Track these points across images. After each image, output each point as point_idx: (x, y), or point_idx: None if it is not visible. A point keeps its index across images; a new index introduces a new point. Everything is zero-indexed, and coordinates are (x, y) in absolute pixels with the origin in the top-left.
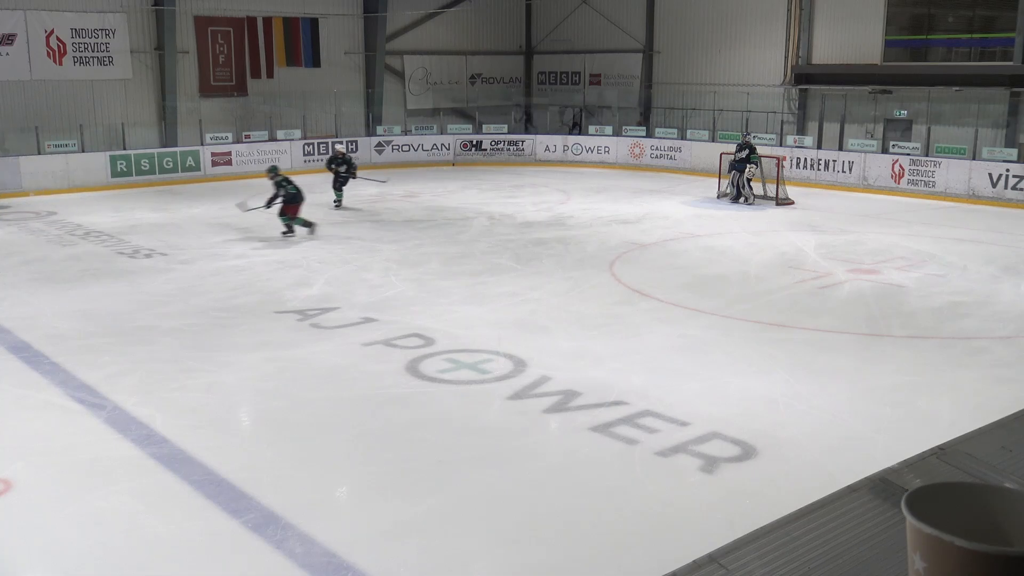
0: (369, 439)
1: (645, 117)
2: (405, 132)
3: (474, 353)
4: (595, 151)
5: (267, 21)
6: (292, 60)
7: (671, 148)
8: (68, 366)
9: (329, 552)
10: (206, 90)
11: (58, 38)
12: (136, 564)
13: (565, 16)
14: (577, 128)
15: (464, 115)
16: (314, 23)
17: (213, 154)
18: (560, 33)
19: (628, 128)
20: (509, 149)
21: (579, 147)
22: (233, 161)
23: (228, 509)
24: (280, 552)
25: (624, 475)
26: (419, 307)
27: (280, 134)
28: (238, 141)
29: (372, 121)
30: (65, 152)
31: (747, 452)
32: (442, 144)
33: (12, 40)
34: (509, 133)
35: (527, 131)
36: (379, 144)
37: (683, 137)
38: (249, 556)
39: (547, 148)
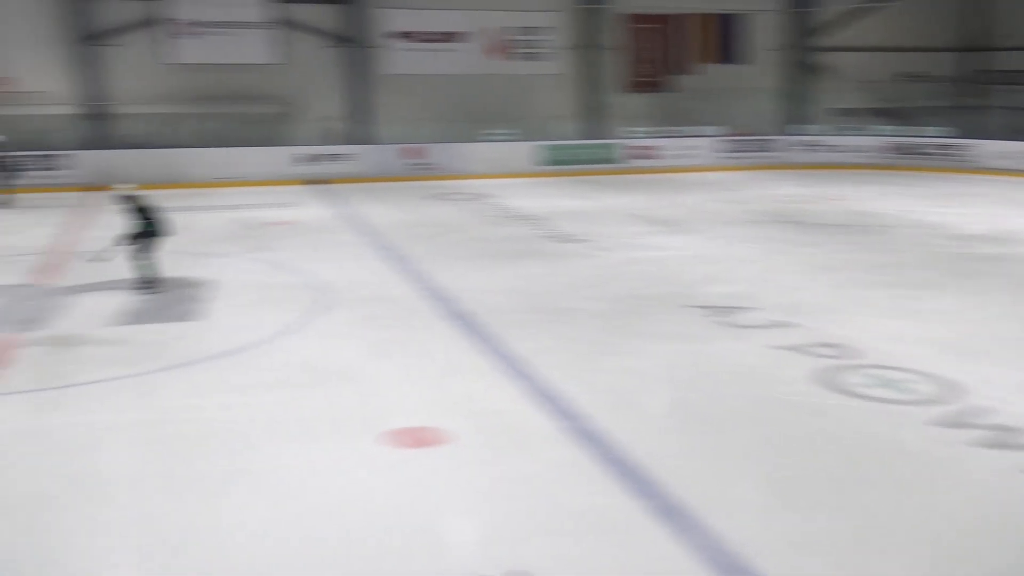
0: (776, 443)
1: None
2: (827, 132)
3: (895, 371)
4: None
5: (695, 18)
6: (717, 56)
7: None
8: (500, 337)
9: (730, 552)
10: (631, 86)
11: (502, 36)
12: (542, 529)
13: None
14: None
15: (892, 115)
16: (741, 19)
17: (634, 147)
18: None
19: None
20: (945, 154)
21: None
22: (652, 155)
23: (632, 492)
24: (678, 543)
25: None
26: (837, 315)
27: (700, 130)
28: (658, 136)
29: (792, 119)
30: (499, 141)
31: None
32: (866, 146)
33: (461, 38)
34: (945, 137)
35: (969, 135)
36: (799, 143)
37: None
38: (648, 541)
39: (999, 154)
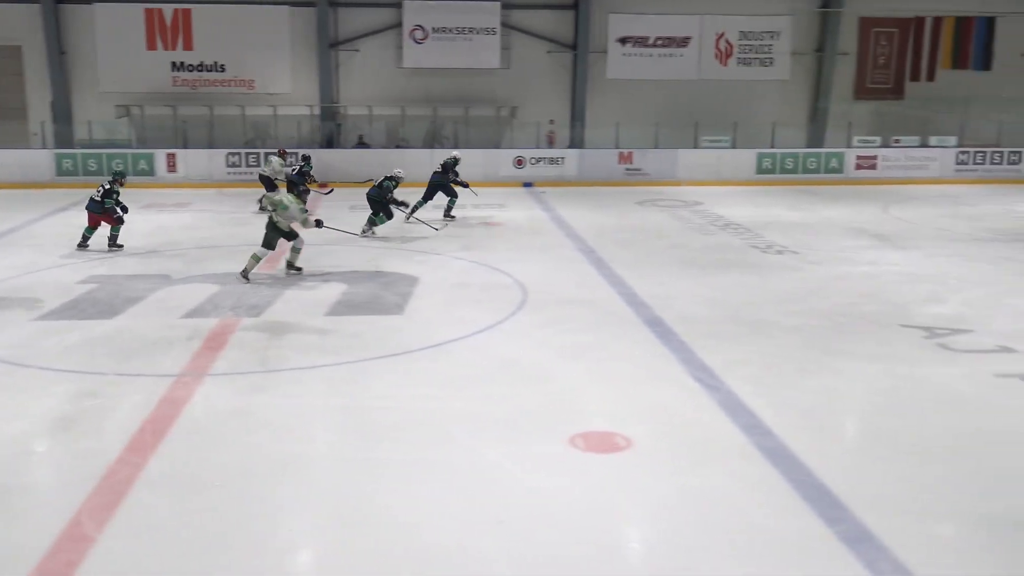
0: (983, 477)
1: None
2: None
3: None
4: None
5: (937, 21)
6: (958, 62)
7: None
8: (693, 346)
9: None
10: (860, 93)
11: (727, 40)
12: (724, 545)
13: None
14: None
15: None
16: (990, 22)
17: (858, 157)
18: None
19: None
20: None
21: None
22: (878, 166)
23: (823, 516)
24: (871, 573)
25: None
26: None
27: (933, 140)
28: (886, 145)
29: None
30: (718, 148)
31: None
32: None
33: (687, 43)
34: None
35: None
36: None
37: None
38: (838, 567)
39: None
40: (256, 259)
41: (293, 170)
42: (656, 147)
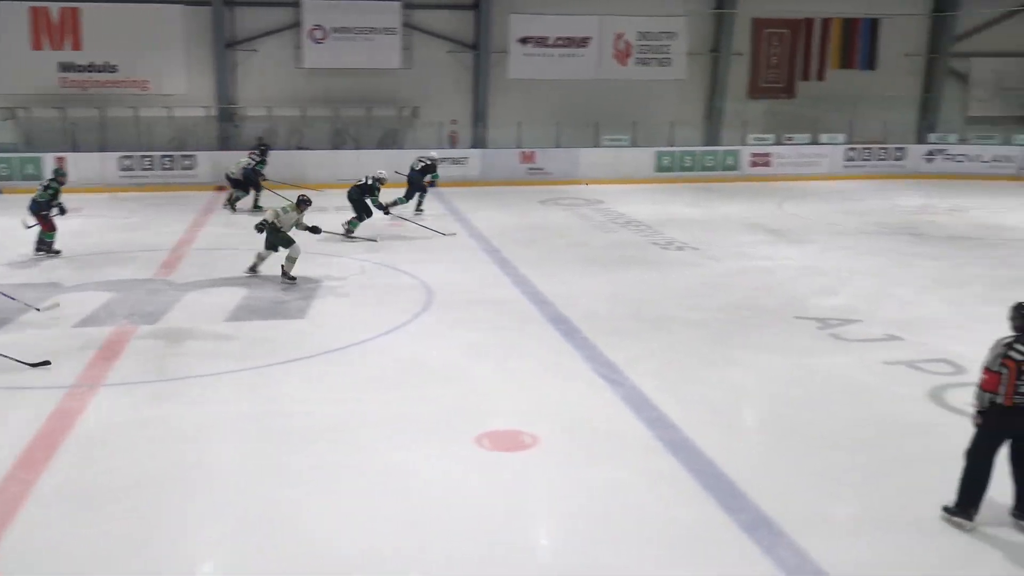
0: (876, 464)
1: None
2: (962, 141)
3: None
4: None
5: (825, 22)
6: (846, 62)
7: None
8: (596, 343)
9: (822, 571)
10: (754, 92)
11: (626, 41)
12: (629, 537)
13: None
14: None
15: None
16: (874, 24)
17: (753, 155)
18: None
19: None
20: None
21: None
22: (772, 163)
23: (724, 505)
24: (769, 558)
25: None
26: (953, 331)
27: (823, 138)
28: (779, 143)
29: (925, 128)
30: (618, 147)
31: None
32: (1005, 156)
33: (586, 43)
34: None
35: None
36: (930, 153)
37: None
38: (737, 553)
39: None
40: (292, 261)
41: (248, 165)
42: (557, 146)
